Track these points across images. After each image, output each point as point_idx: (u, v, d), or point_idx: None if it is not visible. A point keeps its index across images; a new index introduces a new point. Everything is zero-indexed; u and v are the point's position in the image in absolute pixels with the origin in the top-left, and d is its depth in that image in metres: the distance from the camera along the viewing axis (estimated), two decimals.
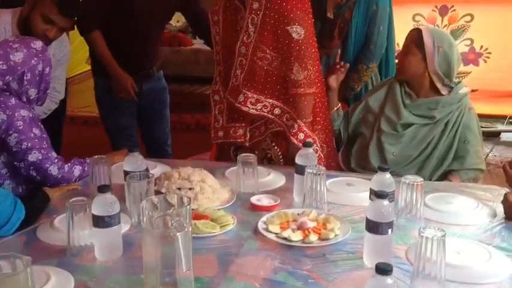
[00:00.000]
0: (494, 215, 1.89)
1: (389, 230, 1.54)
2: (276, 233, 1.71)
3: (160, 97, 3.39)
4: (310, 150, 2.00)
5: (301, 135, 2.32)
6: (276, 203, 1.92)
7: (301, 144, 2.20)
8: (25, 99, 2.10)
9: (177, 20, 6.84)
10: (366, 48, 2.93)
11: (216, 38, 2.49)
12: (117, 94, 3.09)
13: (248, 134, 2.44)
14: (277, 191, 2.09)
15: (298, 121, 2.32)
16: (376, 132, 2.49)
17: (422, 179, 1.79)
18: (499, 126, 5.46)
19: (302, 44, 2.24)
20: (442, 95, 2.43)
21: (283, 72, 2.30)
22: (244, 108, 2.34)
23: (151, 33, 3.17)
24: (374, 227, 1.54)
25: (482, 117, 5.43)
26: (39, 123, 2.11)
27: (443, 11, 5.11)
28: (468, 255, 1.58)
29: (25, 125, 2.02)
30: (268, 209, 1.89)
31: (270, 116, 2.36)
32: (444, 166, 2.41)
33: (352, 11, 2.90)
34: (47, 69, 2.14)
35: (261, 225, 1.76)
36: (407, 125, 2.44)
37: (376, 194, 1.57)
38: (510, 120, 5.46)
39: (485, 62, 5.12)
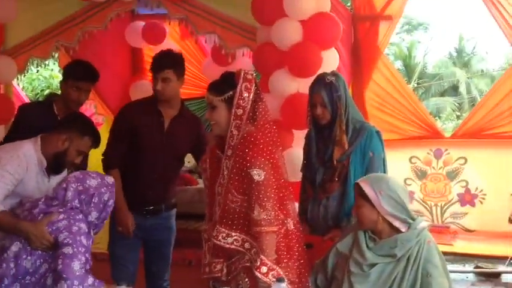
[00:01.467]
0: None
1: None
2: None
3: (163, 235, 3.63)
4: (282, 285, 2.15)
5: (264, 269, 2.50)
6: None
7: (264, 277, 2.45)
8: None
9: (188, 161, 7.23)
10: None
11: (205, 183, 2.83)
12: (117, 227, 3.35)
13: (225, 269, 2.64)
14: None
15: (261, 256, 2.52)
16: (347, 273, 2.64)
17: None
18: (500, 267, 5.46)
19: (262, 185, 2.52)
20: (402, 231, 2.61)
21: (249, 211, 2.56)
22: (217, 242, 2.58)
23: (160, 171, 3.47)
24: None
25: (482, 257, 5.53)
26: (90, 244, 2.52)
27: (437, 154, 5.38)
28: None
29: (77, 233, 2.49)
30: None
31: (241, 249, 2.59)
32: None
33: (349, 159, 3.17)
34: (111, 201, 2.64)
35: None
36: (372, 265, 2.60)
37: None
38: (511, 261, 5.47)
39: (481, 203, 5.26)
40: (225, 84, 2.69)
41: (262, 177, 2.52)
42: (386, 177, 2.78)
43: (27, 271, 2.50)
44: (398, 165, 4.56)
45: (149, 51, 6.16)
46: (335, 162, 3.17)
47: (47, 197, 2.68)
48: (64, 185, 2.63)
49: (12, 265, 2.48)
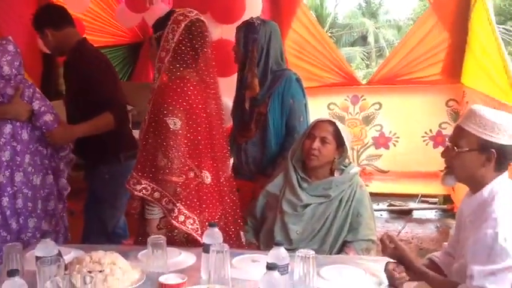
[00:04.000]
0: (380, 283, 2.10)
1: None
2: None
3: None
4: (215, 229, 2.17)
5: (182, 218, 2.45)
6: (183, 281, 2.05)
7: (182, 226, 2.42)
8: None
9: None
10: (291, 137, 3.14)
11: None
12: None
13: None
14: (186, 269, 2.22)
15: (178, 204, 2.45)
16: (279, 214, 2.71)
17: (313, 252, 1.98)
18: (411, 205, 5.83)
19: (174, 134, 2.41)
20: (334, 176, 2.71)
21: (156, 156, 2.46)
22: (128, 187, 2.47)
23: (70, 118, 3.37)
24: None
25: (395, 196, 5.87)
26: None
27: (354, 100, 5.58)
28: None
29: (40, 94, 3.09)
30: (175, 286, 2.01)
31: (150, 198, 2.46)
32: (341, 238, 2.65)
33: (267, 105, 3.16)
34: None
35: None
36: (306, 206, 2.68)
37: (267, 266, 1.74)
38: (422, 199, 5.86)
39: (395, 145, 5.57)
40: (160, 22, 2.56)
41: (178, 126, 2.42)
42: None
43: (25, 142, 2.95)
44: (317, 112, 4.68)
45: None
46: (246, 106, 3.17)
47: None
48: None
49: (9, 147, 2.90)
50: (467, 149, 1.98)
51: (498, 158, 1.97)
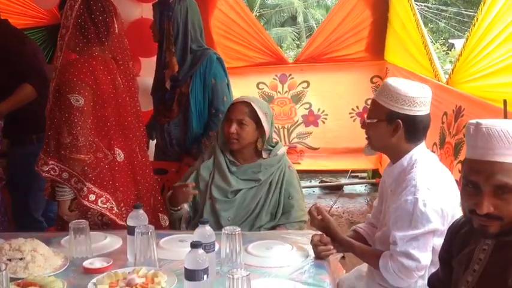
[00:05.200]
0: (307, 256, 2.14)
1: (205, 276, 1.70)
2: None
3: None
4: (140, 211, 2.14)
5: (92, 197, 2.41)
6: (108, 265, 2.02)
7: (94, 205, 2.38)
8: None
9: None
10: (216, 117, 3.12)
11: None
12: None
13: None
14: (112, 253, 2.19)
15: (87, 183, 2.41)
16: (209, 200, 2.66)
17: (239, 229, 1.99)
18: (342, 180, 5.97)
19: (77, 111, 2.35)
20: (263, 158, 2.68)
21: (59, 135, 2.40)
22: (37, 169, 2.40)
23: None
24: (191, 274, 1.70)
25: (326, 172, 6.00)
26: None
27: (282, 79, 5.63)
28: None
29: None
30: (100, 270, 1.97)
31: (58, 179, 2.40)
32: (274, 222, 2.64)
33: (189, 85, 3.11)
34: None
35: (90, 287, 1.84)
36: (237, 191, 2.65)
37: (191, 244, 1.73)
38: (352, 174, 6.01)
39: (324, 123, 5.67)
40: (63, 0, 2.52)
41: (81, 103, 2.36)
42: (263, 100, 2.80)
43: None
44: (247, 92, 4.68)
45: None
46: (167, 86, 3.12)
47: None
48: None
49: None
50: (376, 120, 2.06)
51: (406, 128, 2.03)
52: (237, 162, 2.69)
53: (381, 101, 2.05)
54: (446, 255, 1.69)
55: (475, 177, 1.40)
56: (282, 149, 2.74)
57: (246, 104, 2.63)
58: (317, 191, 5.84)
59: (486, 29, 3.05)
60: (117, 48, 2.54)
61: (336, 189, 5.76)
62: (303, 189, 5.66)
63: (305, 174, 5.98)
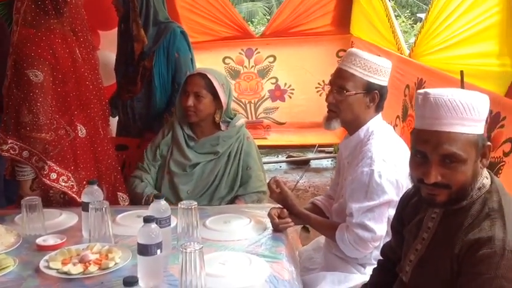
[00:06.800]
0: (264, 229, 2.14)
1: (158, 251, 1.69)
2: (57, 269, 1.77)
3: None
4: (95, 187, 2.10)
5: (54, 175, 2.36)
6: (62, 241, 1.98)
7: (55, 184, 2.33)
8: None
9: None
10: (178, 92, 3.04)
11: None
12: None
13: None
14: (67, 230, 2.15)
15: (48, 162, 2.35)
16: (167, 174, 2.64)
17: (196, 203, 1.97)
18: (309, 155, 5.99)
19: (37, 88, 2.28)
20: (222, 130, 2.66)
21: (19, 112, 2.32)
22: None
23: None
24: (144, 249, 1.68)
25: (293, 147, 6.00)
26: None
27: (249, 53, 5.57)
28: (231, 265, 1.78)
29: None
30: (53, 248, 1.94)
31: (18, 158, 2.32)
32: (232, 193, 2.64)
33: (152, 60, 3.04)
34: None
35: (42, 264, 1.81)
36: (195, 165, 2.63)
37: (144, 219, 1.71)
38: (318, 149, 6.03)
39: (290, 97, 5.66)
40: None
41: (41, 78, 2.28)
42: (220, 71, 2.76)
43: None
44: (213, 66, 4.60)
45: None
46: (136, 58, 3.04)
47: None
48: None
49: None
50: (354, 92, 2.03)
51: (379, 99, 2.04)
52: (195, 138, 2.66)
53: (356, 72, 2.02)
54: (398, 224, 1.71)
55: (423, 147, 1.41)
56: (240, 121, 2.72)
57: (202, 76, 2.60)
58: (284, 166, 5.85)
59: (446, 2, 3.06)
60: (75, 20, 2.44)
61: (303, 164, 5.78)
62: (270, 165, 5.75)
63: (272, 149, 5.98)
